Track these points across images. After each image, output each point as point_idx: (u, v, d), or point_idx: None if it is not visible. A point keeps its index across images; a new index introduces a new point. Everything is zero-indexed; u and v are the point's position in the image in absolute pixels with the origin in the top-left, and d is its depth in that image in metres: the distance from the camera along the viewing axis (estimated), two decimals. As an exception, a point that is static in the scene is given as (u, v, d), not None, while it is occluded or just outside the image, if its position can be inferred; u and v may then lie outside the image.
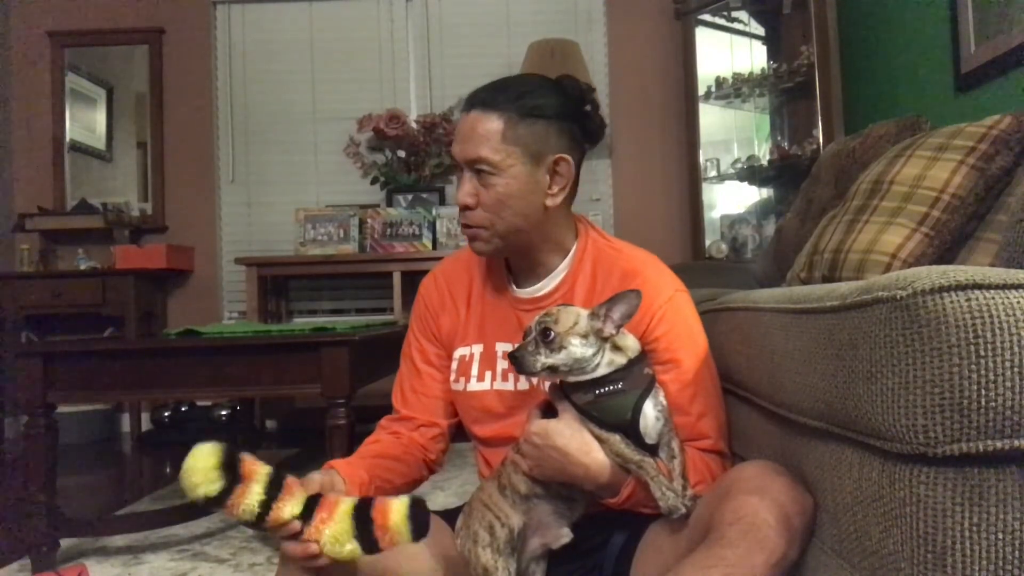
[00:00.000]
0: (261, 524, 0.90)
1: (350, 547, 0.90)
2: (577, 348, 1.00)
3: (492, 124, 1.11)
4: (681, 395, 1.12)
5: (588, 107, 1.20)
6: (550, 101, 1.15)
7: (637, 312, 1.04)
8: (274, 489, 0.90)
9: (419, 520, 0.92)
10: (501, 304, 1.24)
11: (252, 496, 0.88)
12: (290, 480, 0.93)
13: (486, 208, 1.13)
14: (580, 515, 1.12)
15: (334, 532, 0.90)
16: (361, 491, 1.06)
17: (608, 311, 1.02)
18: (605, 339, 1.02)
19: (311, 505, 0.92)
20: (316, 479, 1.02)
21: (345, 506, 0.93)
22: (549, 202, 1.16)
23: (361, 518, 0.92)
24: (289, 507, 0.90)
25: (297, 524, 0.91)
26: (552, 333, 1.00)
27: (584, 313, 1.03)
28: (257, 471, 0.91)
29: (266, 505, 0.89)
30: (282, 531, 0.91)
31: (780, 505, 0.92)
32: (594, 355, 1.01)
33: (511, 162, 1.12)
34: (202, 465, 0.88)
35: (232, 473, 0.88)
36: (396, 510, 0.92)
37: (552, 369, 1.02)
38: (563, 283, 1.21)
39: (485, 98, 1.14)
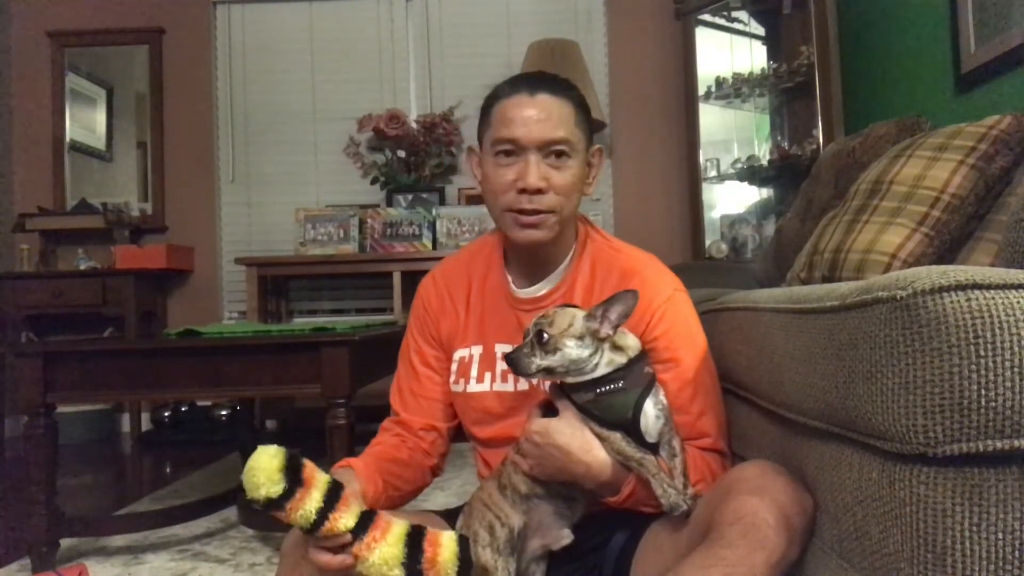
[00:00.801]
0: (314, 532, 0.90)
1: (396, 572, 0.91)
2: (572, 350, 1.00)
3: (566, 108, 1.14)
4: (681, 394, 1.12)
5: None
6: (584, 97, 1.20)
7: (636, 312, 1.04)
8: (332, 499, 0.91)
9: (465, 560, 0.94)
10: (500, 305, 1.24)
11: (311, 503, 0.89)
12: (347, 492, 0.94)
13: (558, 191, 1.13)
14: (580, 516, 1.12)
15: (384, 555, 0.91)
16: (375, 498, 1.07)
17: (605, 312, 1.02)
18: (602, 340, 1.02)
19: (365, 521, 0.92)
20: (357, 489, 1.02)
21: (399, 529, 0.94)
22: (588, 191, 1.20)
23: (413, 545, 0.93)
24: (344, 519, 0.91)
25: (348, 537, 0.91)
26: (546, 335, 1.01)
27: (580, 314, 1.03)
28: (317, 478, 0.91)
29: (323, 514, 0.89)
30: (331, 541, 0.91)
31: (780, 505, 0.92)
32: (591, 356, 1.01)
33: (581, 147, 1.15)
34: (266, 465, 0.88)
35: (295, 477, 0.89)
36: (447, 547, 0.94)
37: (548, 371, 1.02)
38: (563, 283, 1.21)
39: (551, 84, 1.15)
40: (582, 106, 1.17)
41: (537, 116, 1.12)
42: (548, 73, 1.20)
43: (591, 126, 1.21)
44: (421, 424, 1.26)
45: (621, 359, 1.03)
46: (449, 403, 1.27)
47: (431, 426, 1.26)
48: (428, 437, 1.25)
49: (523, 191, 1.12)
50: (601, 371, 1.02)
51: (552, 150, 1.12)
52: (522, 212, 1.13)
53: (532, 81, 1.15)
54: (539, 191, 1.12)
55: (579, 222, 1.26)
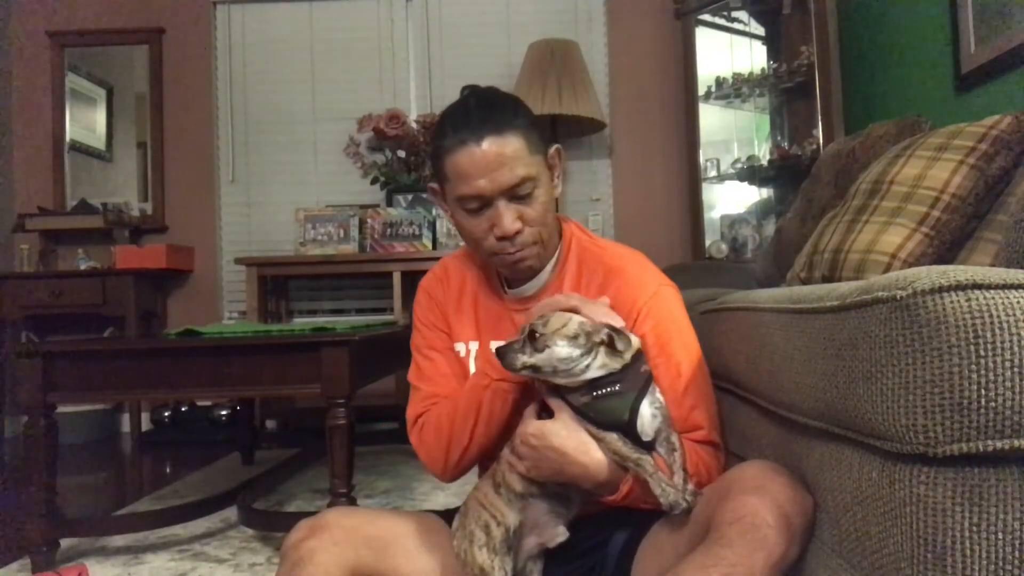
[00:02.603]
0: None
1: None
2: (563, 349, 1.00)
3: (515, 143, 1.10)
4: (672, 388, 1.12)
5: None
6: (524, 106, 1.17)
7: (622, 309, 1.05)
8: None
9: None
10: (494, 305, 1.25)
11: None
12: None
13: (533, 224, 1.13)
14: (576, 514, 1.12)
15: None
16: None
17: (610, 337, 1.02)
18: (598, 344, 1.02)
19: None
20: None
21: None
22: (556, 193, 1.19)
23: None
24: None
25: None
26: (538, 334, 1.01)
27: (577, 318, 1.03)
28: None
29: None
30: None
31: (780, 505, 0.92)
32: (582, 356, 1.01)
33: (540, 170, 1.13)
34: None
35: None
36: None
37: (534, 368, 1.02)
38: (551, 283, 1.22)
39: (493, 122, 1.10)
40: (530, 126, 1.13)
41: (492, 165, 1.08)
42: (484, 102, 1.14)
43: (541, 133, 1.17)
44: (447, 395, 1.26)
45: (616, 364, 1.02)
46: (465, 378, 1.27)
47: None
48: None
49: (501, 238, 1.12)
50: (592, 374, 1.02)
51: (514, 193, 1.11)
52: (506, 254, 1.15)
53: (474, 124, 1.09)
54: (518, 232, 1.12)
55: (563, 223, 1.26)
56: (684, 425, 1.12)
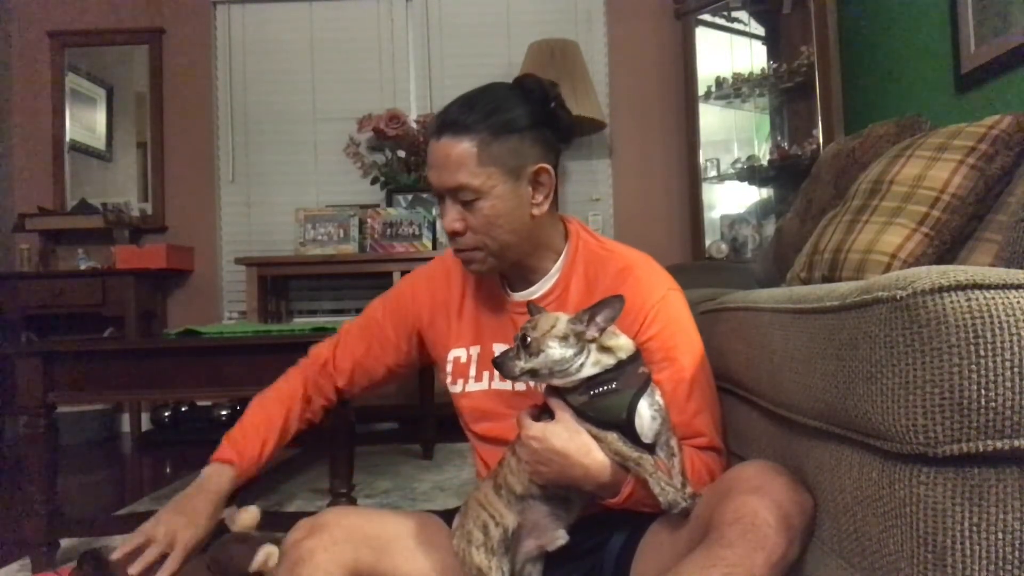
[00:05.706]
0: None
1: None
2: (556, 350, 1.00)
3: (465, 149, 1.09)
4: (676, 393, 1.11)
5: (553, 104, 1.17)
6: (519, 112, 1.13)
7: (630, 312, 1.05)
8: None
9: None
10: (496, 307, 1.25)
11: None
12: None
13: (476, 231, 1.13)
14: (576, 517, 1.11)
15: None
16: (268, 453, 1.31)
17: (592, 316, 1.02)
18: (589, 341, 1.02)
19: None
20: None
21: None
22: (535, 211, 1.16)
23: None
24: None
25: None
26: (529, 338, 1.01)
27: (564, 317, 1.04)
28: None
29: None
30: None
31: (780, 505, 0.92)
32: (575, 356, 1.01)
33: (492, 183, 1.11)
34: None
35: None
36: None
37: (532, 373, 1.02)
38: (557, 285, 1.21)
39: (455, 121, 1.10)
40: (497, 134, 1.09)
41: (438, 163, 1.12)
42: (472, 97, 1.13)
43: (520, 148, 1.12)
44: (332, 372, 1.36)
45: (610, 360, 1.03)
46: (365, 372, 1.35)
47: (340, 379, 1.36)
48: (327, 385, 1.36)
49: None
50: (587, 372, 1.02)
51: (457, 197, 1.12)
52: (456, 251, 1.18)
53: (441, 121, 1.12)
54: (456, 233, 1.14)
55: (567, 224, 1.26)
56: (687, 431, 1.12)
